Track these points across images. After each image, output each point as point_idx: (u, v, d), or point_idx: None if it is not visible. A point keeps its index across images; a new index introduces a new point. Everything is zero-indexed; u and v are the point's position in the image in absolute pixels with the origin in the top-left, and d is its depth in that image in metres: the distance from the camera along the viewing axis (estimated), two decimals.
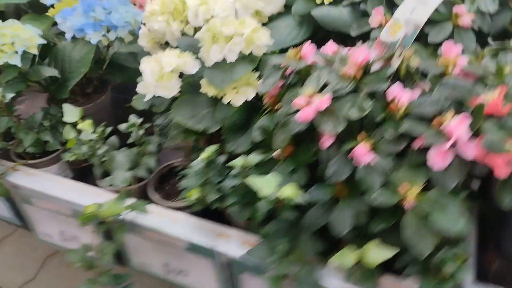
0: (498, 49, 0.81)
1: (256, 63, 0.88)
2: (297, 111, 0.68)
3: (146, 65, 0.85)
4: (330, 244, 0.75)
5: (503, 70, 0.70)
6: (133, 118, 0.95)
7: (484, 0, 0.97)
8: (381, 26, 0.96)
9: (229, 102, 0.85)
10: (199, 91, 0.88)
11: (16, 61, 0.97)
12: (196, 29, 0.98)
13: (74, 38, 1.07)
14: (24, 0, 1.23)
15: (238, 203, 0.77)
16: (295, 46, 0.82)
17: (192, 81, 0.90)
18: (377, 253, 0.65)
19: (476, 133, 0.62)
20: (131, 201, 0.86)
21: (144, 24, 1.03)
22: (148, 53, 1.06)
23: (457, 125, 0.62)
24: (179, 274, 0.94)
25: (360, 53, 0.71)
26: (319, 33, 1.07)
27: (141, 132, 0.95)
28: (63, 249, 1.11)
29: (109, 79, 1.24)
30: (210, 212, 0.88)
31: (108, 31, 1.06)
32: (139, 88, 0.88)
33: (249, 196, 0.76)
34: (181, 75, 0.89)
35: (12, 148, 1.07)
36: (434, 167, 0.63)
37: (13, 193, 1.04)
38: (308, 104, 0.67)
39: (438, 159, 0.63)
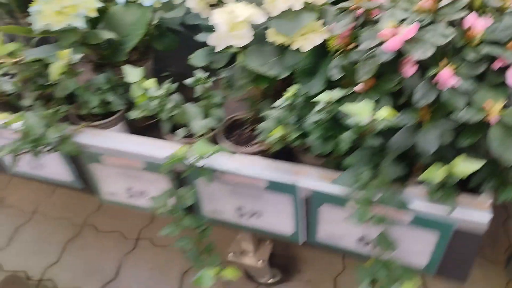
0: None
1: (318, 11, 0.93)
2: (380, 44, 0.74)
3: (218, 17, 0.89)
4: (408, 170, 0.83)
5: None
6: (200, 73, 0.99)
7: None
8: None
9: (298, 48, 0.90)
10: (265, 41, 0.93)
11: (80, 23, 1.00)
12: None
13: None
14: None
15: (321, 137, 0.83)
16: None
17: (257, 32, 0.95)
18: (465, 165, 0.72)
19: None
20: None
21: None
22: (197, 15, 1.10)
23: None
24: (252, 216, 1.00)
25: None
26: None
27: (208, 85, 1.00)
28: (129, 207, 1.16)
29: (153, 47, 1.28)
30: (281, 157, 0.95)
31: None
32: (210, 41, 0.92)
33: (332, 130, 0.83)
34: None
35: (74, 111, 1.10)
36: None
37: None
38: (393, 35, 0.73)
39: None
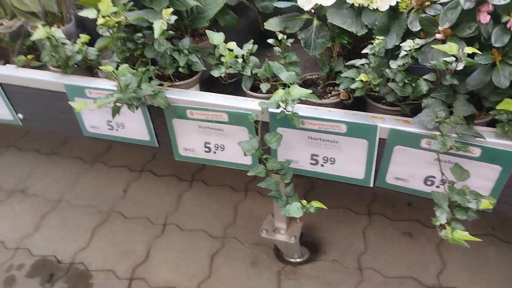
0: None
1: None
2: None
3: None
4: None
5: None
6: (280, 35, 1.12)
7: None
8: None
9: (374, 9, 1.04)
10: (343, 3, 1.07)
11: None
12: None
13: None
14: None
15: (403, 81, 0.96)
16: None
17: None
18: None
19: None
20: None
21: None
22: None
23: None
24: (326, 163, 1.12)
25: None
26: None
27: (289, 44, 1.12)
28: (203, 161, 1.25)
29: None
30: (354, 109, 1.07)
31: None
32: (300, 2, 1.05)
33: (412, 74, 0.96)
34: None
35: (157, 72, 1.21)
36: None
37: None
38: None
39: None
